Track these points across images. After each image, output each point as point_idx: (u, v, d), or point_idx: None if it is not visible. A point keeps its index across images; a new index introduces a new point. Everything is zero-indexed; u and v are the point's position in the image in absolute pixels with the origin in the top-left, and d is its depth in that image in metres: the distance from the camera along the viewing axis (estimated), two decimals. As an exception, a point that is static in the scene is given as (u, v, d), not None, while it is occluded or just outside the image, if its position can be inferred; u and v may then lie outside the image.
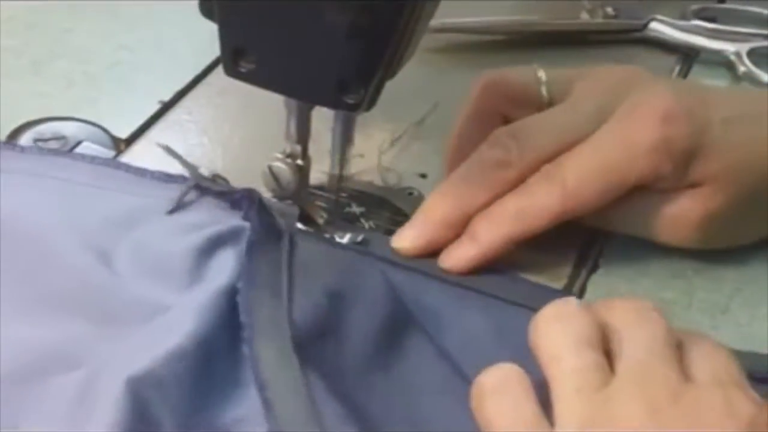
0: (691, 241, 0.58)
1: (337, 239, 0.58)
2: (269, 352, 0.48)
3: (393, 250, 0.58)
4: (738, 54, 0.75)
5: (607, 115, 0.57)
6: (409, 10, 0.49)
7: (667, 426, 0.42)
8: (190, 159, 0.64)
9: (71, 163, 0.61)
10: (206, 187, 0.58)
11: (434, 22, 0.54)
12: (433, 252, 0.57)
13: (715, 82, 0.75)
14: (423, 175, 0.64)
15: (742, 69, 0.75)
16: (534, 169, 0.57)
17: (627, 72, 0.61)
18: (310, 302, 0.51)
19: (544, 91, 0.61)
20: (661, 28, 0.78)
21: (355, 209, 0.62)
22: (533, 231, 0.56)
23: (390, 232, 0.59)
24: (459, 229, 0.57)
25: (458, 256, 0.57)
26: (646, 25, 0.79)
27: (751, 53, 0.76)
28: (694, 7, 0.80)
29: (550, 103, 0.61)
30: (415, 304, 0.55)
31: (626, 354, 0.45)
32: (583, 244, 0.59)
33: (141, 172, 0.61)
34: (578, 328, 0.46)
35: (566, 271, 0.58)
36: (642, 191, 0.57)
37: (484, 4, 0.80)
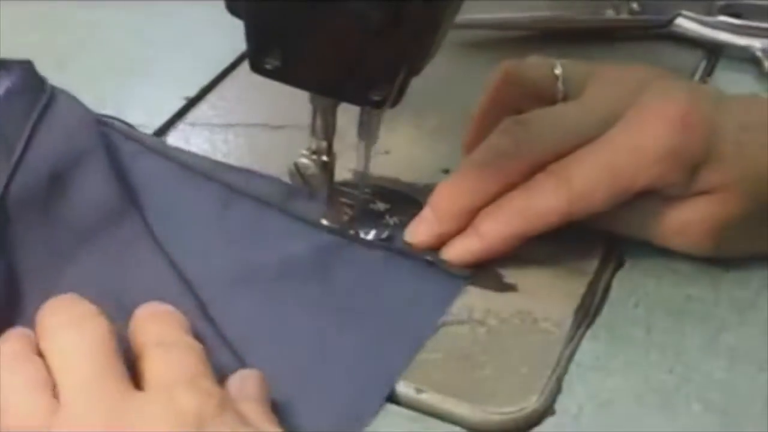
0: (703, 248, 0.57)
1: (362, 236, 0.59)
2: None
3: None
4: (764, 50, 0.75)
5: (619, 116, 0.57)
6: (436, 7, 0.49)
7: None
8: (215, 155, 0.64)
9: None
10: None
11: (460, 18, 0.54)
12: (443, 244, 0.58)
13: (741, 78, 0.75)
14: (446, 171, 0.64)
15: (768, 65, 0.75)
16: (542, 163, 0.57)
17: (644, 71, 0.61)
18: (32, 176, 0.55)
19: (560, 86, 0.61)
20: (686, 24, 0.78)
21: (380, 206, 0.61)
22: (538, 230, 0.56)
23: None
24: (467, 220, 0.57)
25: (463, 249, 0.57)
26: (671, 21, 0.78)
27: (778, 49, 0.75)
28: (720, 2, 0.79)
29: (565, 99, 0.61)
30: (145, 186, 0.59)
31: (62, 384, 0.45)
32: (609, 239, 0.59)
33: None
34: (26, 372, 0.46)
35: (592, 266, 0.58)
36: (653, 196, 0.56)
37: (509, 0, 0.80)
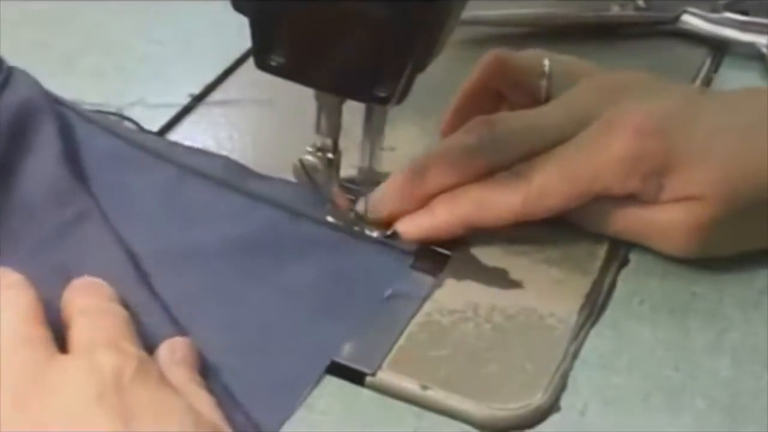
0: (690, 251, 0.57)
1: (368, 232, 0.59)
2: None
3: None
4: (770, 47, 0.75)
5: (588, 124, 0.57)
6: (440, 4, 0.49)
7: (33, 408, 0.43)
8: (220, 152, 0.64)
9: None
10: None
11: (465, 15, 0.54)
12: (391, 222, 0.59)
13: (746, 74, 0.75)
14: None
15: (773, 61, 0.74)
16: (504, 164, 0.57)
17: (628, 79, 0.60)
18: None
19: (543, 82, 0.62)
20: (692, 20, 0.78)
21: (385, 202, 0.61)
22: (490, 223, 0.57)
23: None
24: (417, 204, 0.58)
25: (413, 223, 0.58)
26: (677, 18, 0.78)
27: (783, 46, 0.75)
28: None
29: (548, 96, 0.61)
30: (98, 166, 0.61)
31: None
32: (613, 238, 0.59)
33: None
34: None
35: (597, 264, 0.58)
36: (633, 201, 0.57)
37: (514, -3, 0.80)
